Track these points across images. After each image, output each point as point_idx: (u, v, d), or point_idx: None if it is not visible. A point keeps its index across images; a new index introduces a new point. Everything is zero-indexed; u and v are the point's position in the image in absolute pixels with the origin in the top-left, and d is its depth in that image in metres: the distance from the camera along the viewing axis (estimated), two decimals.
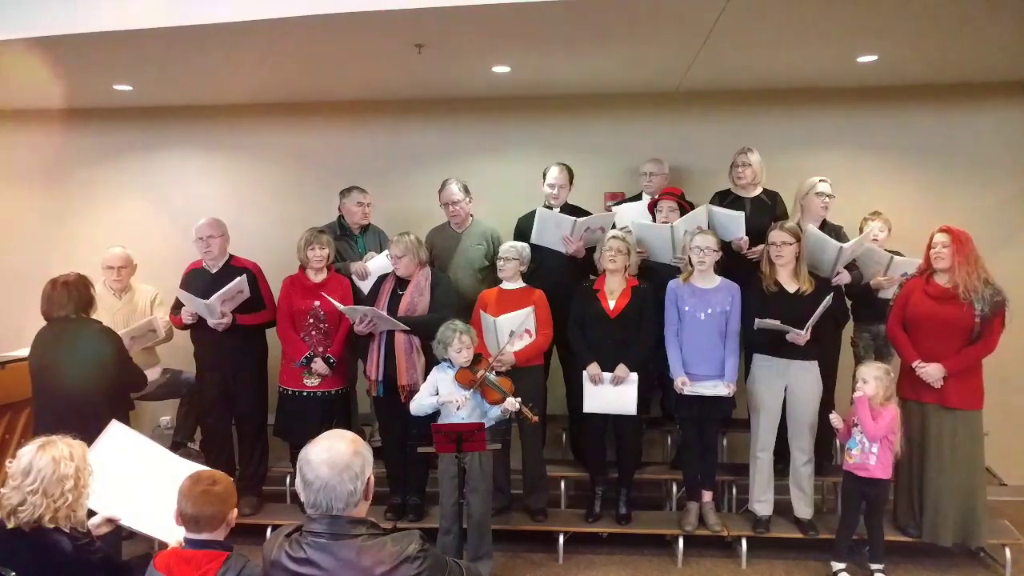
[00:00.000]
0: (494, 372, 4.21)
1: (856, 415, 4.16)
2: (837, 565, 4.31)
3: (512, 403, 4.07)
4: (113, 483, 3.09)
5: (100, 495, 2.92)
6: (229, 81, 5.32)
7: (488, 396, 4.13)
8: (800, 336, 4.24)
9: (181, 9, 4.05)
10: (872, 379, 4.14)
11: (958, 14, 4.05)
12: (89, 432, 3.03)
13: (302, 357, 4.67)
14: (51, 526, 2.59)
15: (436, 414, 4.18)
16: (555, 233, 4.84)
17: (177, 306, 4.85)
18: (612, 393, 4.46)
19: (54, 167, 6.17)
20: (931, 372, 4.20)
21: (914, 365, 4.26)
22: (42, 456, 2.62)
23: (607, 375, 4.46)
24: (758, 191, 4.99)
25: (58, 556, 2.58)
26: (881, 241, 4.91)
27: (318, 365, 4.66)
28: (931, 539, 4.33)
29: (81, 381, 4.00)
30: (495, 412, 4.12)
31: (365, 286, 4.91)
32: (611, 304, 4.49)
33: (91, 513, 2.94)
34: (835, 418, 4.30)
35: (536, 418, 4.18)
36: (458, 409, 4.09)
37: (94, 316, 4.20)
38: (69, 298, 4.05)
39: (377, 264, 4.98)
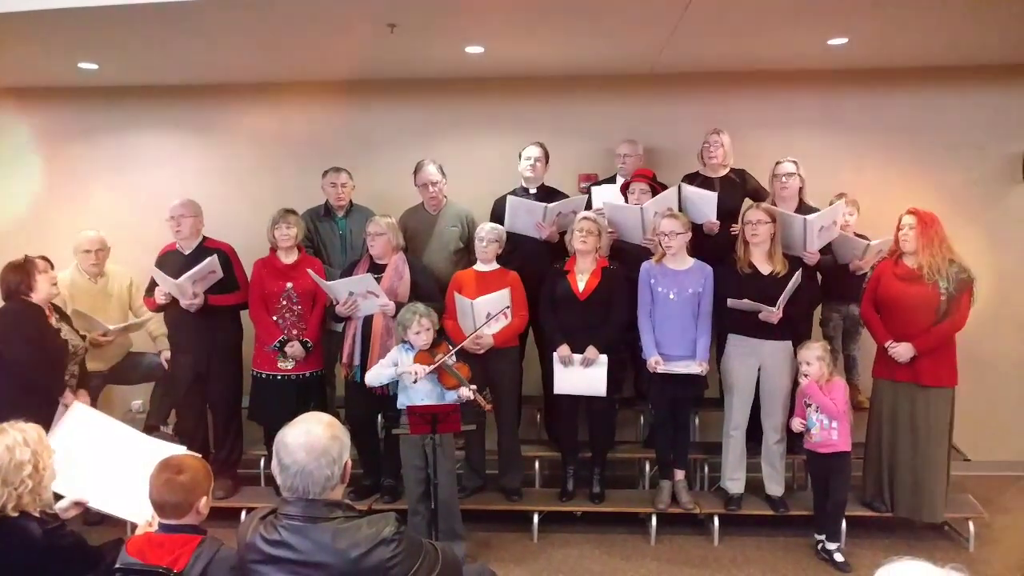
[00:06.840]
0: (453, 357, 4.19)
1: (809, 398, 4.21)
2: (820, 536, 4.37)
3: (466, 392, 4.08)
4: (79, 466, 3.05)
5: (66, 478, 2.87)
6: (198, 61, 5.21)
7: (445, 381, 4.12)
8: (772, 314, 4.27)
9: None
10: (815, 360, 4.20)
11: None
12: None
13: (275, 341, 4.64)
14: (15, 514, 2.54)
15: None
16: (527, 220, 4.83)
17: (151, 288, 4.82)
18: (582, 374, 4.47)
19: (18, 148, 6.01)
20: (901, 352, 4.27)
21: (886, 345, 4.33)
22: None
23: (577, 357, 4.47)
24: (726, 171, 5.02)
25: (28, 543, 2.54)
26: (850, 224, 4.95)
27: (293, 349, 4.64)
28: (906, 515, 4.41)
29: None
30: (451, 397, 4.12)
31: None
32: (580, 286, 4.49)
33: (58, 498, 2.91)
34: (795, 423, 4.29)
35: (490, 407, 4.22)
36: (415, 382, 4.06)
37: (35, 297, 4.17)
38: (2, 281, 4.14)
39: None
